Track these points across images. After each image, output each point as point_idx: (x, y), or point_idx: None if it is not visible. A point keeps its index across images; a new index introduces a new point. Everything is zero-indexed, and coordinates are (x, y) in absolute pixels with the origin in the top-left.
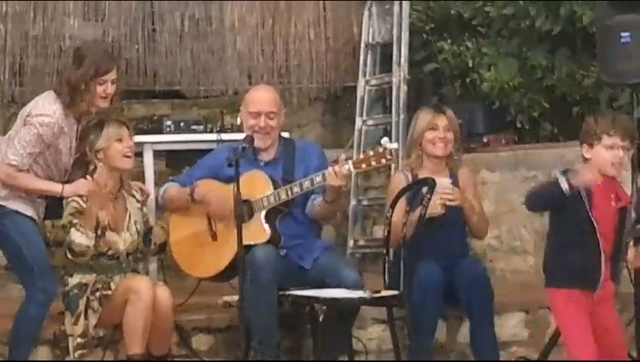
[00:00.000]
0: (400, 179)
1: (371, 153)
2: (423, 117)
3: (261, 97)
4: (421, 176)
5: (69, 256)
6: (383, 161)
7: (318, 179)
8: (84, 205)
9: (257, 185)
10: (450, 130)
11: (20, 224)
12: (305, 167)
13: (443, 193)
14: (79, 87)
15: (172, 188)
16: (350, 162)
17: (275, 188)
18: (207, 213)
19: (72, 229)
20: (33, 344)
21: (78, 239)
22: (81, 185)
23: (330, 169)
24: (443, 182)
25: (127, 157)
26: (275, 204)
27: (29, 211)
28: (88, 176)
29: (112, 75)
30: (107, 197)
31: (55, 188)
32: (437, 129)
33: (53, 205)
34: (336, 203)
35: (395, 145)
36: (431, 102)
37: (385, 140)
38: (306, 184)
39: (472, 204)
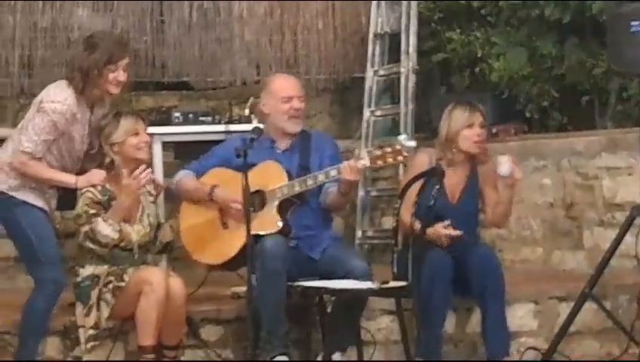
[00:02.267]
0: (422, 161)
1: (388, 149)
2: (459, 115)
3: (290, 82)
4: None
5: (91, 245)
6: (400, 158)
7: (333, 173)
8: (100, 196)
9: (272, 176)
10: (484, 126)
11: (30, 214)
12: (319, 157)
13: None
14: (92, 74)
15: (188, 180)
16: (367, 157)
17: (290, 180)
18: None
19: (99, 220)
20: (42, 334)
21: (105, 230)
22: (95, 176)
23: (345, 163)
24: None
25: (143, 149)
26: (288, 195)
27: (39, 202)
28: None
29: (125, 62)
30: (139, 190)
31: (69, 179)
32: (473, 127)
33: (65, 197)
34: (350, 195)
35: (413, 143)
36: (447, 97)
37: (403, 137)
38: (321, 177)
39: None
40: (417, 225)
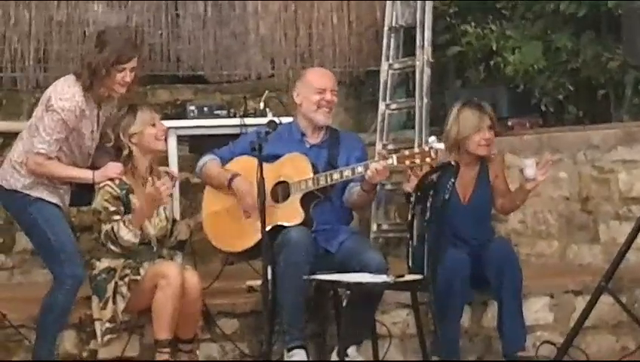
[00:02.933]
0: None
1: (417, 150)
2: (469, 118)
3: (326, 76)
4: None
5: (111, 246)
6: (428, 160)
7: (360, 169)
8: (118, 190)
9: (298, 167)
10: (492, 128)
11: (45, 211)
12: (347, 157)
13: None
14: (100, 72)
15: (213, 165)
16: (395, 156)
17: (315, 173)
18: None
19: (121, 225)
20: (61, 330)
21: (127, 236)
22: (112, 169)
23: (374, 164)
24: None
25: (161, 140)
26: (313, 188)
27: (53, 198)
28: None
29: (133, 64)
30: (161, 201)
31: (86, 174)
32: (482, 131)
33: (79, 192)
34: (373, 193)
35: (441, 146)
36: (467, 99)
37: (432, 139)
38: (347, 173)
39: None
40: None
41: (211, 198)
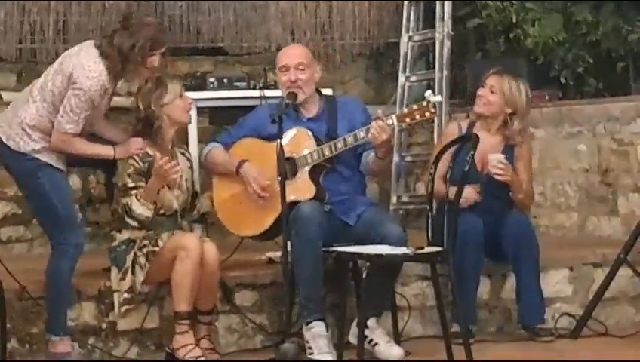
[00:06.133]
0: (453, 130)
1: (415, 107)
2: (484, 74)
3: (287, 52)
4: (476, 131)
5: (128, 219)
6: (427, 114)
7: (362, 134)
8: (141, 163)
9: (301, 142)
10: (495, 92)
11: (54, 178)
12: (349, 123)
13: (494, 166)
14: (134, 59)
15: (216, 153)
16: (394, 116)
17: (319, 145)
18: None
19: (134, 199)
20: (71, 297)
21: (139, 210)
22: (134, 145)
23: (373, 123)
24: (498, 157)
25: (188, 112)
26: (319, 160)
27: (60, 164)
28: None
29: (164, 49)
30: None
31: (107, 151)
32: (484, 87)
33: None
34: (388, 158)
35: (438, 98)
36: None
37: (428, 93)
38: (350, 140)
39: (520, 183)
40: (452, 191)
41: (221, 186)
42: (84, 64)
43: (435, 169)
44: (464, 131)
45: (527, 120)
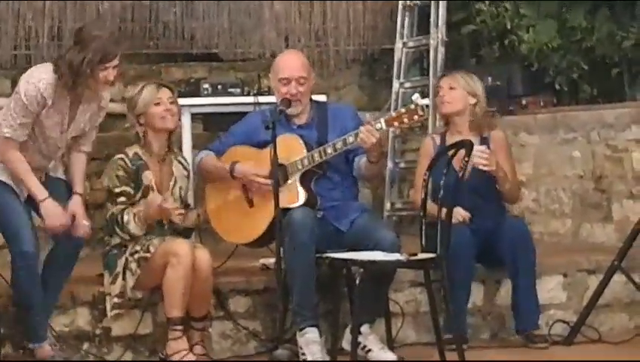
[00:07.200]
0: (428, 144)
1: (403, 110)
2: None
3: (291, 63)
4: (449, 139)
5: (117, 229)
6: (416, 117)
7: (351, 139)
8: (130, 165)
9: (291, 149)
10: (454, 88)
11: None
12: (340, 129)
13: (478, 157)
14: (83, 73)
15: (209, 160)
16: (382, 120)
17: (309, 151)
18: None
19: (131, 218)
20: (37, 304)
21: (134, 229)
22: (56, 219)
23: (361, 128)
24: (479, 148)
25: (167, 118)
26: (310, 166)
27: (2, 176)
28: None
29: (116, 62)
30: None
31: (40, 194)
32: (441, 89)
33: None
34: (380, 162)
35: (426, 101)
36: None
37: (416, 96)
38: (339, 145)
39: (505, 173)
40: (443, 210)
41: (213, 194)
42: (31, 72)
43: (429, 176)
44: (438, 143)
45: (486, 107)
